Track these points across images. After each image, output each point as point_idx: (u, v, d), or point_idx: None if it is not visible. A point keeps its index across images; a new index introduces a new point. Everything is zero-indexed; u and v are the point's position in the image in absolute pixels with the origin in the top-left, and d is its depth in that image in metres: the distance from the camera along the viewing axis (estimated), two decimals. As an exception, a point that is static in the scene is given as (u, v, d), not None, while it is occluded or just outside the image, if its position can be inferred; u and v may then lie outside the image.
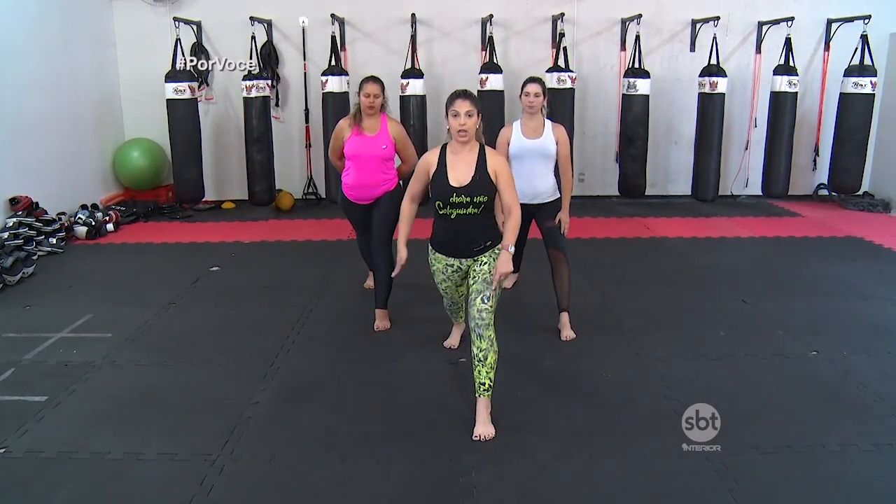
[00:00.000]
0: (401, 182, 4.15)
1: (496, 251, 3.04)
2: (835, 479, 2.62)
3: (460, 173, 2.97)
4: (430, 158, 3.06)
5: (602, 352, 3.75)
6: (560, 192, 4.01)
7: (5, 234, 5.34)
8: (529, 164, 3.92)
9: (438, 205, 3.01)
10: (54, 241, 5.72)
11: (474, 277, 3.03)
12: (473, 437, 2.85)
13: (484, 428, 2.88)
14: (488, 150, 3.05)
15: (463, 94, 2.96)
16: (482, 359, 2.89)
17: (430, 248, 3.18)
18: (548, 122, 3.96)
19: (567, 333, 3.88)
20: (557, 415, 3.08)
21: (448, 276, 3.17)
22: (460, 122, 2.92)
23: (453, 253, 3.08)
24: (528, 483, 2.60)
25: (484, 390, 2.90)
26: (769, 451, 2.77)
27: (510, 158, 3.88)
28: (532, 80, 3.92)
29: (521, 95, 3.93)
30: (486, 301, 2.92)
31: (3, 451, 2.80)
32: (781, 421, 3.01)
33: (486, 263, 3.03)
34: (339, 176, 4.19)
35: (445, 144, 3.06)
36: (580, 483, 2.60)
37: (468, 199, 2.95)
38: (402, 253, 3.14)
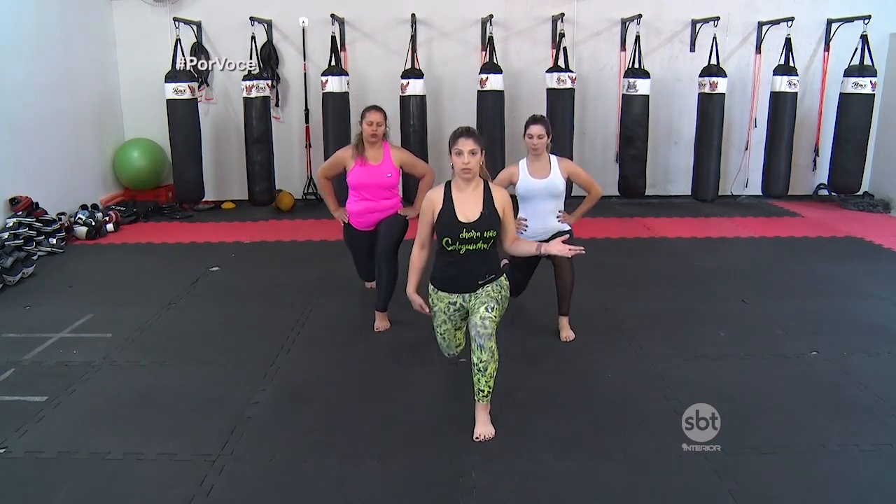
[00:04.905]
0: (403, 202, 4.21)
1: (498, 283, 3.01)
2: (835, 479, 2.62)
3: (468, 209, 2.92)
4: (435, 197, 2.98)
5: (602, 352, 3.75)
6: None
7: (5, 234, 5.34)
8: (539, 204, 3.84)
9: (447, 241, 2.93)
10: (54, 241, 5.72)
11: (477, 296, 2.98)
12: (474, 438, 2.86)
13: (484, 428, 2.88)
14: (492, 185, 3.02)
15: (466, 133, 2.89)
16: (482, 369, 2.86)
17: (430, 286, 3.10)
18: (553, 159, 3.84)
19: (567, 334, 3.89)
20: (557, 415, 3.08)
21: (449, 315, 3.08)
22: (464, 160, 2.86)
23: (456, 289, 3.01)
24: (528, 483, 2.60)
25: (483, 396, 2.90)
26: (769, 451, 2.77)
27: (518, 199, 3.84)
28: (535, 120, 3.77)
29: (524, 136, 3.79)
30: (490, 310, 2.89)
31: (3, 451, 2.81)
32: (781, 421, 3.02)
33: (487, 289, 2.98)
34: (339, 177, 4.21)
35: (449, 182, 3.00)
36: (580, 483, 2.60)
37: (478, 235, 2.90)
38: (416, 300, 3.07)
